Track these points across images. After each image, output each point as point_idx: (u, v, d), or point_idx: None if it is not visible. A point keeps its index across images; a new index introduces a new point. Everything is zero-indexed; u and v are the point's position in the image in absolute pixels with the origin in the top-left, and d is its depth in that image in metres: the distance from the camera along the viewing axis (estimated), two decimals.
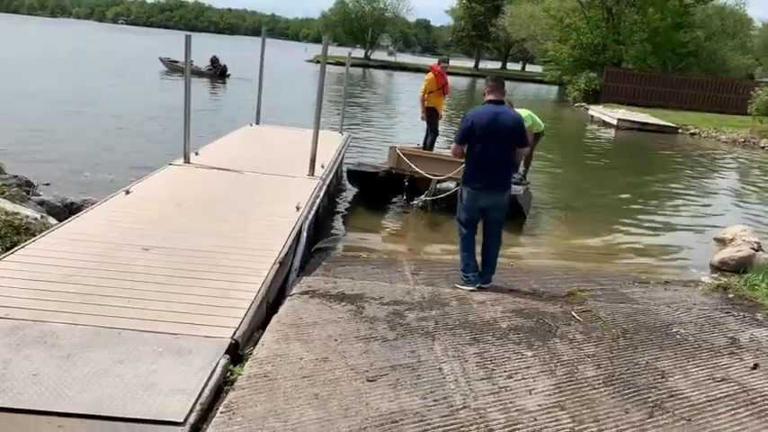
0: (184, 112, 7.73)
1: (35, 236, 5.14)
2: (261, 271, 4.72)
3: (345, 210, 8.90)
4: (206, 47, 38.18)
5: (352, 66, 61.43)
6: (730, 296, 6.00)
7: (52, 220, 5.68)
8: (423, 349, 4.00)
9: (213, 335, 3.68)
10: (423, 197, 8.58)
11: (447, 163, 8.19)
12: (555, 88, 45.99)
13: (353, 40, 74.60)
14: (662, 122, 24.68)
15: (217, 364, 3.37)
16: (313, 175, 7.91)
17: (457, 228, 5.58)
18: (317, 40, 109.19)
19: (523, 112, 10.43)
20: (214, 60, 30.50)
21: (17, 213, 5.34)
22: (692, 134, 24.17)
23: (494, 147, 5.15)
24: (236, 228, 5.65)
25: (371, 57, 70.60)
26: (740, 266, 7.09)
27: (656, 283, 6.38)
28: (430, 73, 10.40)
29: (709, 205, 11.67)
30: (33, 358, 3.24)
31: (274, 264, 4.90)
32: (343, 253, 6.77)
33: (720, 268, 7.34)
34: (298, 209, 6.39)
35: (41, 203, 6.75)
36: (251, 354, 3.69)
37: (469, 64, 77.87)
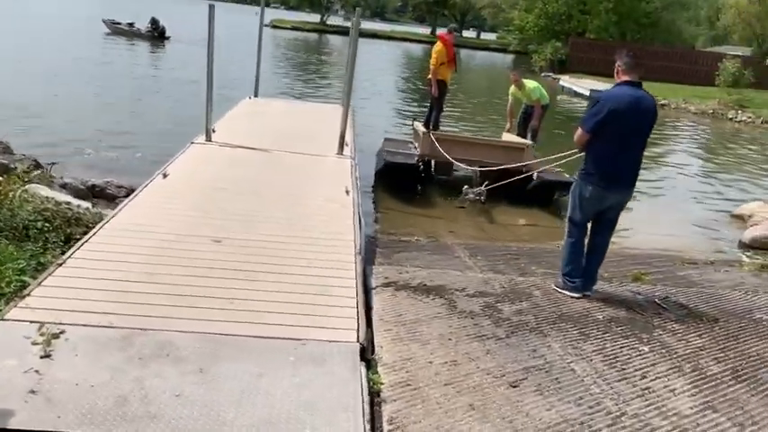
0: (207, 85, 7.29)
1: (88, 227, 4.74)
2: (347, 263, 4.47)
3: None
4: (149, 8, 36.72)
5: (307, 31, 59.52)
6: None
7: (103, 210, 5.23)
8: (542, 348, 3.85)
9: (338, 338, 3.43)
10: (475, 189, 7.82)
11: (488, 148, 7.96)
12: (510, 57, 46.03)
13: (308, 4, 72.88)
14: None
15: (360, 374, 3.14)
16: (342, 153, 7.61)
17: (567, 228, 4.83)
18: (268, 4, 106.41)
19: (531, 84, 10.27)
20: (153, 21, 29.32)
21: (69, 203, 4.90)
22: (662, 105, 24.56)
23: (631, 138, 4.44)
24: (295, 214, 5.35)
25: (327, 22, 69.14)
26: None
27: (703, 263, 6.40)
28: (438, 43, 9.91)
29: (708, 179, 11.88)
30: (166, 375, 2.94)
31: (357, 254, 4.66)
32: (388, 237, 6.53)
33: (752, 246, 7.43)
34: (347, 192, 6.13)
35: (63, 186, 6.27)
36: (375, 358, 3.47)
37: (424, 30, 77.29)
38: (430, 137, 7.90)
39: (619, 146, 4.43)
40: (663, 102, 24.71)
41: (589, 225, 4.80)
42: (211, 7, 6.96)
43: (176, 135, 10.15)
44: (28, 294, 3.53)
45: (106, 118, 11.34)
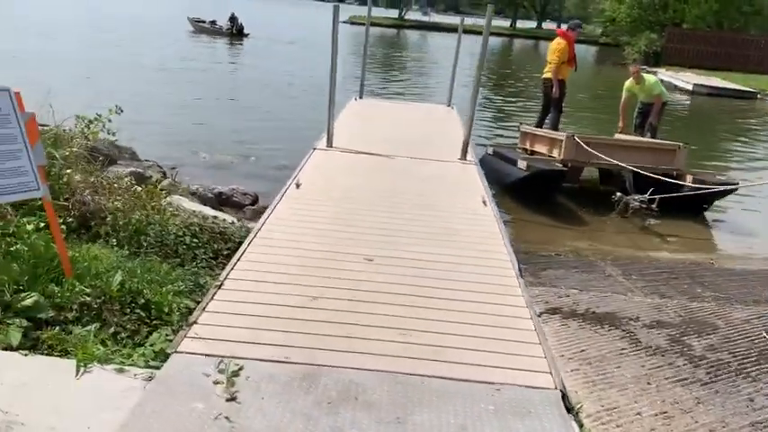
0: (329, 91, 7.06)
1: (235, 242, 4.54)
2: (511, 288, 4.10)
3: None
4: (228, 4, 37.28)
5: (386, 26, 59.32)
6: None
7: (248, 224, 5.04)
8: (758, 396, 3.35)
9: (533, 383, 3.06)
10: (637, 196, 7.10)
11: (635, 150, 7.36)
12: (593, 48, 44.21)
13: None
14: (739, 87, 23.46)
15: (573, 430, 2.75)
16: (465, 159, 7.22)
17: None
18: (342, 0, 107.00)
19: (651, 79, 9.58)
20: (232, 18, 29.70)
21: (215, 217, 4.73)
22: None
23: None
24: (438, 229, 5.00)
25: (405, 17, 68.80)
26: None
27: None
28: (561, 40, 9.34)
29: None
30: (363, 425, 2.63)
31: (518, 277, 4.26)
32: (526, 252, 6.09)
33: None
34: (484, 203, 5.74)
35: (193, 194, 6.15)
36: (575, 407, 3.07)
37: (503, 23, 75.83)
38: (575, 140, 7.23)
39: None
40: None
41: None
42: (336, 7, 6.72)
43: (286, 137, 10.11)
44: (195, 322, 3.32)
45: (212, 119, 11.37)
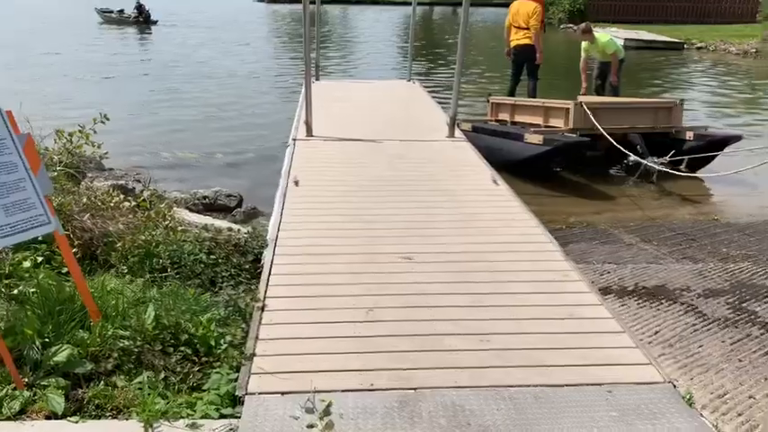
0: (305, 81, 6.63)
1: (252, 254, 4.12)
2: (564, 272, 3.85)
3: None
4: None
5: (299, 2, 59.74)
6: None
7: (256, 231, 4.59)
8: None
9: (638, 378, 2.83)
10: (659, 159, 6.82)
11: (636, 111, 7.16)
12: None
13: None
14: (667, 39, 24.06)
15: (707, 427, 2.54)
16: (454, 136, 6.93)
17: None
18: None
19: (604, 38, 9.49)
20: (139, 6, 28.26)
21: (230, 228, 4.27)
22: (699, 48, 23.69)
23: None
24: (461, 216, 4.70)
25: None
26: None
27: None
28: (534, 3, 8.89)
29: None
30: None
31: (567, 260, 4.03)
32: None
33: None
34: (495, 182, 5.49)
35: (177, 202, 5.63)
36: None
37: None
38: (583, 107, 6.88)
39: None
40: (699, 45, 23.84)
41: None
42: None
43: (243, 127, 9.53)
44: (254, 354, 2.93)
45: (156, 117, 10.62)
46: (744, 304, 3.89)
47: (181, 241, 3.87)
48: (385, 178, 5.53)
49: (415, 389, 2.72)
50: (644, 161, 6.74)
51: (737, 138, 7.10)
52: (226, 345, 3.05)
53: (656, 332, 3.50)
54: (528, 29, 8.83)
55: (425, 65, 17.58)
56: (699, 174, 7.20)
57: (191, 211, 5.28)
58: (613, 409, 2.62)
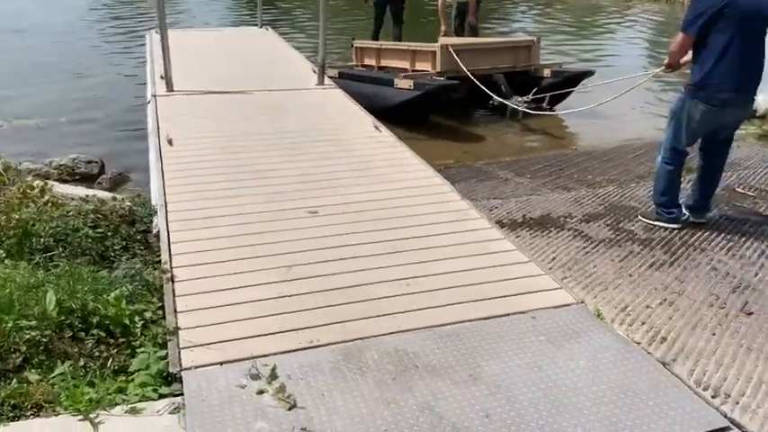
0: (160, 26, 6.14)
1: (142, 223, 3.85)
2: (466, 211, 4.03)
3: None
4: None
5: None
6: None
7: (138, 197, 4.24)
8: (718, 265, 3.70)
9: (556, 302, 3.05)
10: (522, 98, 7.04)
11: (498, 51, 7.36)
12: None
13: None
14: None
15: (626, 339, 2.81)
16: (324, 84, 6.84)
17: (665, 155, 4.13)
18: None
19: None
20: None
21: (115, 198, 3.90)
22: None
23: (755, 34, 3.71)
24: (355, 163, 4.71)
25: None
26: None
27: None
28: None
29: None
30: (445, 393, 2.42)
31: (463, 198, 4.19)
32: None
33: None
34: (377, 128, 5.52)
35: (34, 173, 5.08)
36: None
37: None
38: (449, 49, 6.94)
39: (738, 49, 3.65)
40: None
41: (696, 146, 4.19)
42: None
43: (79, 91, 8.67)
44: (178, 328, 2.77)
45: None
46: (620, 224, 4.28)
47: (63, 216, 3.51)
48: (264, 131, 5.35)
49: (354, 340, 2.72)
50: (508, 102, 7.04)
51: (591, 73, 7.61)
52: (142, 322, 2.85)
53: (554, 258, 3.76)
54: None
55: (269, 10, 16.93)
56: (557, 111, 7.63)
57: (62, 182, 4.78)
58: (540, 334, 2.80)
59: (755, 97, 3.99)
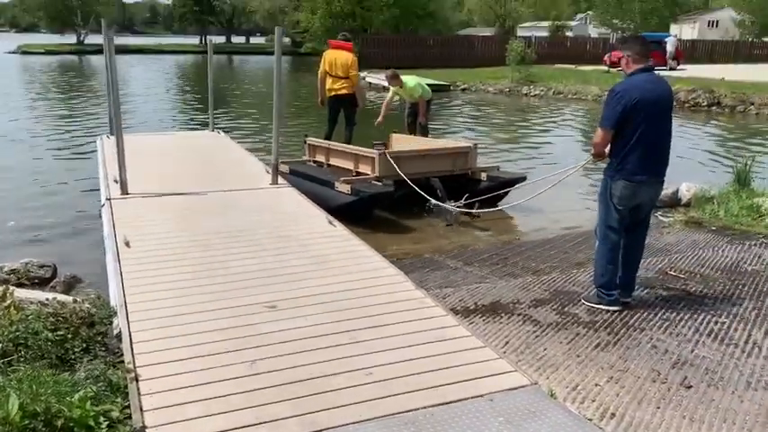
0: (116, 131, 6.33)
1: (102, 324, 3.87)
2: (418, 300, 4.19)
3: None
4: None
5: (65, 53, 54.31)
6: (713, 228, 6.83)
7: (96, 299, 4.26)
8: (658, 343, 3.95)
9: (512, 385, 3.19)
10: (455, 203, 7.28)
11: (437, 157, 7.76)
12: (287, 58, 45.71)
13: (61, 24, 66.29)
14: (436, 81, 26.47)
15: (582, 418, 2.97)
16: (278, 183, 7.09)
17: (600, 234, 4.52)
18: (14, 26, 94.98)
19: (411, 81, 10.32)
20: None
21: (76, 300, 3.91)
22: (464, 89, 26.47)
23: (659, 125, 4.21)
24: (312, 258, 4.86)
25: (85, 42, 63.60)
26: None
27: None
28: (347, 52, 9.29)
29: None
30: None
31: (418, 288, 4.38)
32: None
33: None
34: (332, 224, 5.73)
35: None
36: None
37: (193, 41, 74.87)
38: (386, 156, 7.34)
39: (648, 136, 4.18)
40: (464, 86, 26.63)
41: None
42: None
43: (30, 198, 8.63)
44: (144, 426, 2.79)
45: None
46: (566, 308, 4.53)
47: (23, 320, 3.51)
48: (222, 230, 5.48)
49: (322, 430, 2.79)
50: (443, 204, 7.36)
51: (523, 178, 8.04)
52: (107, 422, 2.85)
53: (507, 342, 3.94)
54: (347, 78, 9.22)
55: (219, 114, 17.39)
56: (500, 206, 7.93)
57: (19, 286, 4.75)
58: (499, 415, 2.93)
59: (663, 179, 4.46)
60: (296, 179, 7.72)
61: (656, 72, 4.44)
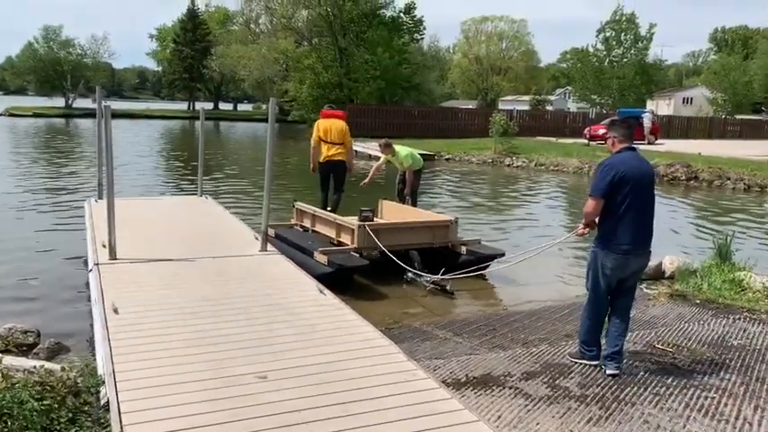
0: (107, 197, 6.37)
1: (89, 393, 3.80)
2: (411, 371, 4.16)
3: None
4: None
5: (53, 117, 54.75)
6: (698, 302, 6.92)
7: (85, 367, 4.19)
8: (649, 417, 3.95)
9: None
10: (431, 277, 7.35)
11: (416, 230, 7.86)
12: (276, 126, 46.39)
13: (50, 88, 67.08)
14: (422, 151, 26.95)
15: None
16: (267, 249, 7.11)
17: (589, 300, 4.81)
18: (2, 89, 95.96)
19: (404, 151, 10.56)
20: None
21: (64, 368, 3.84)
22: (447, 159, 26.93)
23: (644, 199, 4.51)
24: (302, 328, 4.84)
25: (73, 105, 64.25)
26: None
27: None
28: (340, 120, 9.70)
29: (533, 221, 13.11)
30: None
31: (410, 360, 4.36)
32: None
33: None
34: (322, 292, 5.74)
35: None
36: None
37: (181, 106, 76.00)
38: (366, 229, 7.46)
39: (634, 209, 4.47)
40: (447, 156, 27.11)
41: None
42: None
43: (7, 260, 8.52)
44: None
45: None
46: (556, 382, 4.53)
47: (9, 388, 3.45)
48: (211, 297, 5.45)
49: None
50: (420, 277, 7.42)
51: (501, 254, 8.11)
52: None
53: (499, 416, 3.92)
54: (342, 144, 9.51)
55: (208, 180, 17.52)
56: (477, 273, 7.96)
57: (6, 353, 4.65)
58: None
59: (650, 250, 4.69)
60: (281, 244, 7.79)
61: (637, 151, 4.73)
